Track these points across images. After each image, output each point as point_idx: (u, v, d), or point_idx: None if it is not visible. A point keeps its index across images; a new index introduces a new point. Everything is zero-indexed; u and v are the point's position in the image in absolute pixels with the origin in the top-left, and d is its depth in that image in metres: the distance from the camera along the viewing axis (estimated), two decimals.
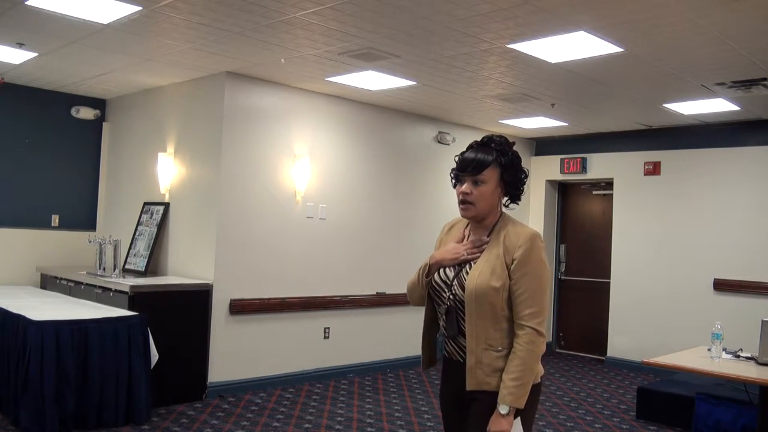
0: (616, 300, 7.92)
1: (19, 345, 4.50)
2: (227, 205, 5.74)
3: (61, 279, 6.18)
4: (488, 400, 2.16)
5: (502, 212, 2.33)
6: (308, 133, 6.33)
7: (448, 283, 2.29)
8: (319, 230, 6.42)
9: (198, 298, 5.56)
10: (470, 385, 2.19)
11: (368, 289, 6.74)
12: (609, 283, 8.03)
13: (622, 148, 7.94)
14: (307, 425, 4.97)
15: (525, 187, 2.34)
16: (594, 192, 8.60)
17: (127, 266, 6.28)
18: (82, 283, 5.85)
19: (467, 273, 2.24)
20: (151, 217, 6.32)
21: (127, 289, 5.18)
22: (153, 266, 6.16)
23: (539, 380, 2.25)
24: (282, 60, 5.22)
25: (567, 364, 7.97)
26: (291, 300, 6.15)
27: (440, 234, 2.52)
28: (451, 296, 2.27)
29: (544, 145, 8.76)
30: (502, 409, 2.11)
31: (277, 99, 6.09)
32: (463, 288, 2.22)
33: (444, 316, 2.29)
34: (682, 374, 5.68)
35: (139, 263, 6.15)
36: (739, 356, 4.52)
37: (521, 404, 2.12)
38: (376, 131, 6.96)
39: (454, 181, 2.33)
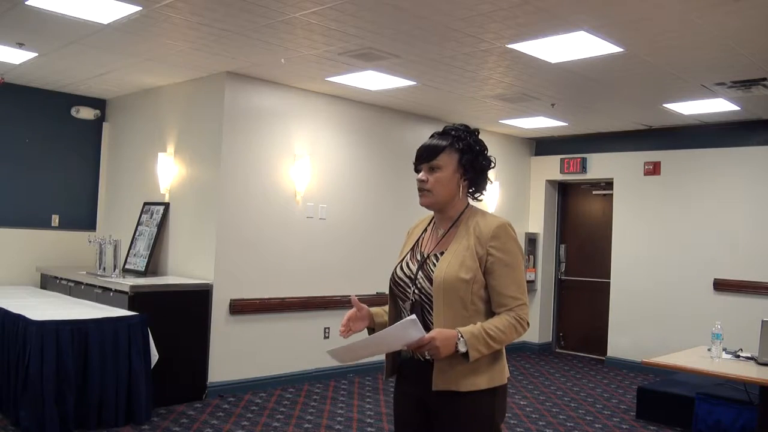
0: (616, 300, 7.92)
1: (19, 345, 4.50)
2: (227, 205, 5.74)
3: (61, 279, 6.18)
4: (457, 405, 2.04)
5: (468, 203, 2.22)
6: (308, 133, 6.33)
7: (412, 277, 2.16)
8: (319, 230, 6.42)
9: (198, 298, 5.56)
10: (437, 385, 2.03)
11: (368, 289, 6.73)
12: (609, 283, 8.02)
13: (622, 148, 7.94)
14: (307, 425, 4.97)
15: (490, 177, 2.23)
16: (594, 192, 8.60)
17: (127, 266, 6.28)
18: (82, 283, 5.85)
19: (434, 264, 2.11)
20: (151, 217, 6.32)
21: (127, 289, 5.18)
22: (153, 266, 6.16)
23: (506, 381, 2.13)
24: (282, 60, 5.22)
25: (567, 364, 7.97)
26: (291, 300, 6.15)
27: (406, 236, 2.38)
28: (416, 291, 2.13)
29: (544, 145, 8.76)
30: (461, 345, 1.95)
31: (277, 99, 6.09)
32: (430, 280, 2.09)
33: (408, 312, 2.15)
34: (682, 374, 5.67)
35: (139, 263, 6.15)
36: (739, 356, 4.52)
37: (473, 356, 1.96)
38: (376, 131, 6.96)
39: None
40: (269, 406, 5.45)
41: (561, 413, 5.66)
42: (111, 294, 5.39)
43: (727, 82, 5.36)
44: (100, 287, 5.57)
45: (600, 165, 8.20)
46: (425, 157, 2.16)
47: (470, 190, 2.21)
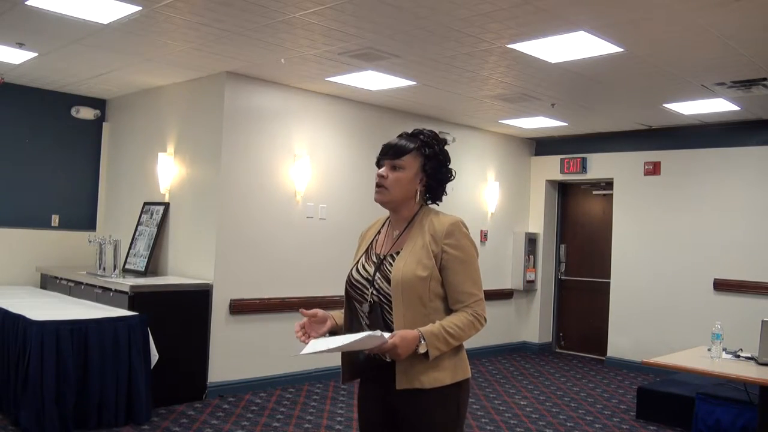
0: (616, 300, 7.92)
1: (19, 345, 4.50)
2: (227, 205, 5.74)
3: (61, 279, 6.18)
4: (423, 402, 2.05)
5: (423, 205, 2.23)
6: (308, 133, 6.33)
7: (370, 278, 2.16)
8: (319, 230, 6.42)
9: (198, 298, 5.56)
10: (401, 384, 2.04)
11: None
12: (609, 283, 8.02)
13: (622, 148, 7.94)
14: (307, 425, 4.97)
15: (449, 188, 2.25)
16: (594, 192, 8.60)
17: (127, 266, 6.28)
18: (82, 283, 5.85)
19: (391, 264, 2.12)
20: (151, 217, 6.32)
21: (127, 289, 5.18)
22: (153, 266, 6.16)
23: (468, 375, 2.13)
24: (282, 60, 5.22)
25: (567, 364, 7.97)
26: (291, 300, 6.15)
27: (359, 240, 2.38)
28: (374, 292, 2.13)
29: (544, 145, 8.76)
30: (422, 347, 1.98)
31: (277, 99, 6.09)
32: (388, 280, 2.10)
33: (366, 315, 2.15)
34: (682, 374, 5.68)
35: (139, 263, 6.15)
36: (739, 356, 4.52)
37: (433, 354, 2.00)
38: (376, 131, 6.95)
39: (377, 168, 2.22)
40: (269, 406, 5.45)
41: (561, 413, 5.66)
42: (111, 294, 5.39)
43: (727, 82, 5.36)
44: (100, 287, 5.57)
45: (600, 165, 8.20)
46: (390, 154, 2.18)
47: (426, 196, 2.23)
